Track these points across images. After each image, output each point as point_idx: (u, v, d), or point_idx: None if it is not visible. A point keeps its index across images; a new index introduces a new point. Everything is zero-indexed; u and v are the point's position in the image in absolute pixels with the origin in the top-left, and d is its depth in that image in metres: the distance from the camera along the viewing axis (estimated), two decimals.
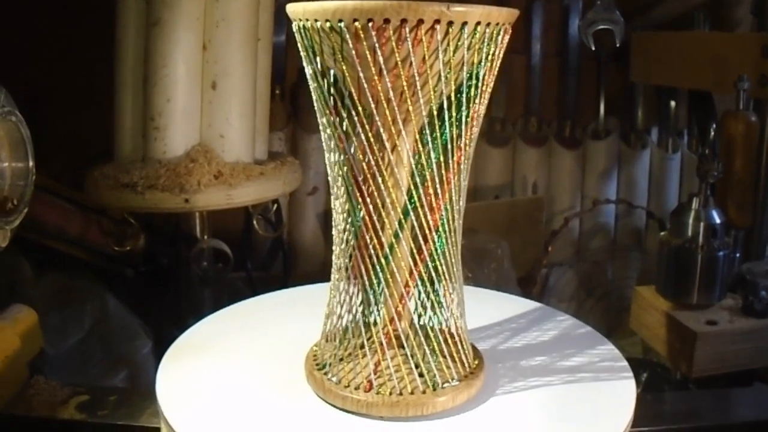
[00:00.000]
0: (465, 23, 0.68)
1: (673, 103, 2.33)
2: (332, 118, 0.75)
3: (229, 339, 0.95)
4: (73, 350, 1.59)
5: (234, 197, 1.49)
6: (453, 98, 0.74)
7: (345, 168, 0.77)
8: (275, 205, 1.84)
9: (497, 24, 0.71)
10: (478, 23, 0.69)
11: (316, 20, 0.70)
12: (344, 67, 0.71)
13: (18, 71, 1.62)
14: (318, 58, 0.74)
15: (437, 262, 0.79)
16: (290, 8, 0.74)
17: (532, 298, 1.98)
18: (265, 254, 2.07)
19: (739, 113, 1.58)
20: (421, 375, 0.78)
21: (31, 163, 1.11)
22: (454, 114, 0.74)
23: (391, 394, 0.77)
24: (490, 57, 0.73)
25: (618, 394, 0.84)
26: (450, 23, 0.67)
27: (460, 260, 0.83)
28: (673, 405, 1.25)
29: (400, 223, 0.77)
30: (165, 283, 1.78)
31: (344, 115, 0.74)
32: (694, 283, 1.54)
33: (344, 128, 0.75)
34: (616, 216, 2.40)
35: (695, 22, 2.12)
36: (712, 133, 1.68)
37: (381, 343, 0.79)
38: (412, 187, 0.76)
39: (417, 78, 0.70)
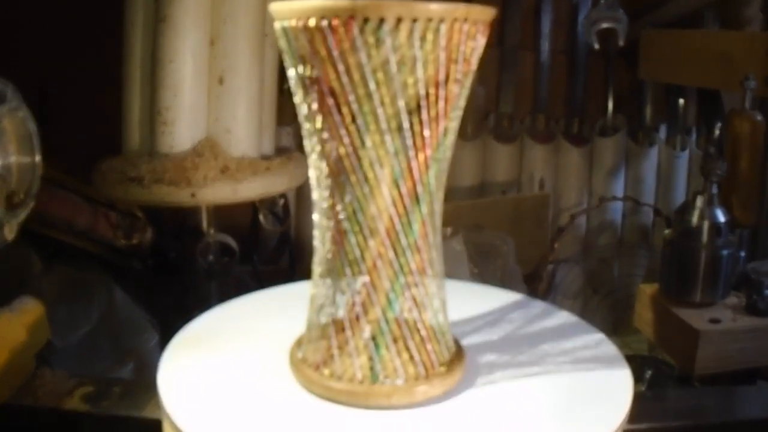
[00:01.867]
0: (382, 19, 0.67)
1: (681, 101, 2.33)
2: (313, 111, 0.77)
3: (233, 332, 0.96)
4: (81, 343, 1.60)
5: (240, 192, 1.49)
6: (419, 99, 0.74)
7: (323, 160, 0.78)
8: (282, 200, 1.85)
9: (430, 20, 0.68)
10: (400, 20, 0.67)
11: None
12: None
13: (28, 65, 1.63)
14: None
15: (409, 251, 0.79)
16: (272, 8, 0.75)
17: (537, 295, 2.00)
18: (271, 248, 2.07)
19: (744, 112, 1.59)
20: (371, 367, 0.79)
21: (38, 158, 1.12)
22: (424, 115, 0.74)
23: (331, 376, 0.79)
24: (432, 58, 0.71)
25: (612, 385, 0.84)
26: (366, 20, 0.67)
27: (440, 252, 0.83)
28: (675, 402, 1.25)
29: (366, 204, 0.77)
30: (172, 277, 1.79)
31: (321, 109, 0.75)
32: (697, 281, 1.54)
33: (323, 130, 0.76)
34: (623, 213, 2.40)
35: (704, 20, 2.12)
36: (718, 132, 1.68)
37: (336, 329, 0.82)
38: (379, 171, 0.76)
39: (343, 76, 0.71)
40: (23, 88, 1.09)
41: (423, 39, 0.69)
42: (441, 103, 0.75)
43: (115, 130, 1.63)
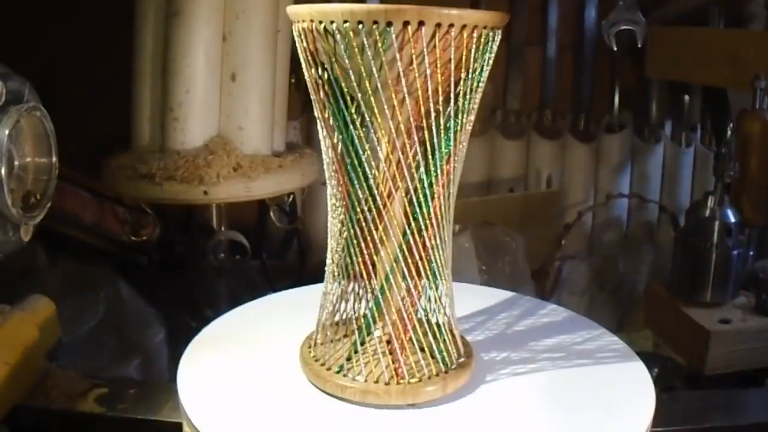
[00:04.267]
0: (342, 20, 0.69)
1: (687, 98, 2.32)
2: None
3: (249, 335, 0.95)
4: (87, 337, 1.59)
5: (253, 190, 1.49)
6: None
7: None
8: (291, 196, 1.84)
9: (384, 23, 0.69)
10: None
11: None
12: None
13: (33, 56, 1.62)
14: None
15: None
16: (289, 10, 0.75)
17: (544, 292, 1.99)
18: (279, 243, 2.07)
19: (755, 112, 1.58)
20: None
21: (54, 159, 1.11)
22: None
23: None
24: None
25: (628, 379, 0.86)
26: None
27: (449, 254, 0.83)
28: (684, 404, 1.24)
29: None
30: (179, 272, 1.78)
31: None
32: (707, 281, 1.54)
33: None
34: (628, 210, 2.39)
35: (710, 16, 2.11)
36: (729, 132, 1.67)
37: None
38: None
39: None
40: (28, 79, 1.08)
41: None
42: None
43: (123, 124, 1.62)
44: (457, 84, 0.75)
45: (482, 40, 0.73)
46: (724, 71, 1.86)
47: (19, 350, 1.10)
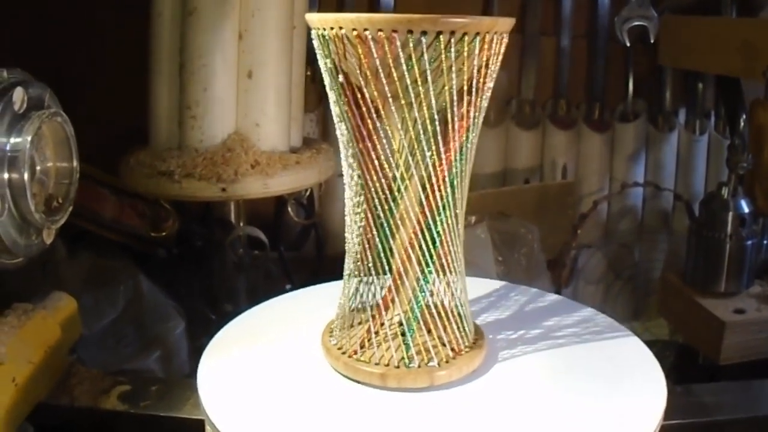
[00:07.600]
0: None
1: (700, 85, 2.32)
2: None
3: (270, 333, 0.96)
4: (107, 331, 1.61)
5: (270, 186, 1.49)
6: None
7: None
8: (308, 190, 1.85)
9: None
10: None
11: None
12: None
13: (47, 50, 1.63)
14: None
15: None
16: (308, 17, 0.78)
17: (560, 281, 2.00)
18: (296, 235, 2.07)
19: (767, 102, 1.58)
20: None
21: (75, 163, 1.12)
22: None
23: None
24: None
25: (635, 360, 0.89)
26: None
27: (462, 243, 0.85)
28: (699, 397, 1.24)
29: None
30: (198, 265, 1.79)
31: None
32: (722, 271, 1.55)
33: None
34: (643, 198, 2.39)
35: (722, 5, 2.10)
36: (742, 124, 1.68)
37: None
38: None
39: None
40: (42, 74, 1.09)
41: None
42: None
43: (137, 122, 1.63)
44: (476, 86, 0.77)
45: (493, 43, 0.76)
46: (737, 60, 1.85)
47: (43, 349, 1.12)
